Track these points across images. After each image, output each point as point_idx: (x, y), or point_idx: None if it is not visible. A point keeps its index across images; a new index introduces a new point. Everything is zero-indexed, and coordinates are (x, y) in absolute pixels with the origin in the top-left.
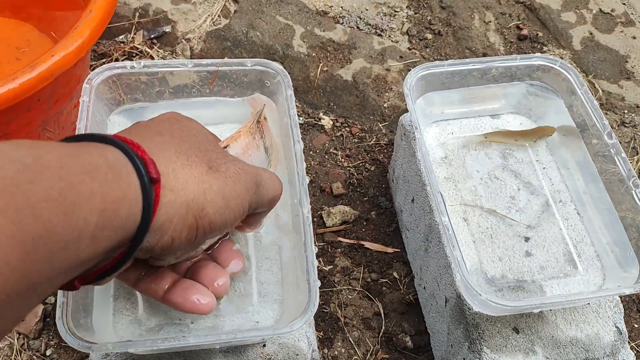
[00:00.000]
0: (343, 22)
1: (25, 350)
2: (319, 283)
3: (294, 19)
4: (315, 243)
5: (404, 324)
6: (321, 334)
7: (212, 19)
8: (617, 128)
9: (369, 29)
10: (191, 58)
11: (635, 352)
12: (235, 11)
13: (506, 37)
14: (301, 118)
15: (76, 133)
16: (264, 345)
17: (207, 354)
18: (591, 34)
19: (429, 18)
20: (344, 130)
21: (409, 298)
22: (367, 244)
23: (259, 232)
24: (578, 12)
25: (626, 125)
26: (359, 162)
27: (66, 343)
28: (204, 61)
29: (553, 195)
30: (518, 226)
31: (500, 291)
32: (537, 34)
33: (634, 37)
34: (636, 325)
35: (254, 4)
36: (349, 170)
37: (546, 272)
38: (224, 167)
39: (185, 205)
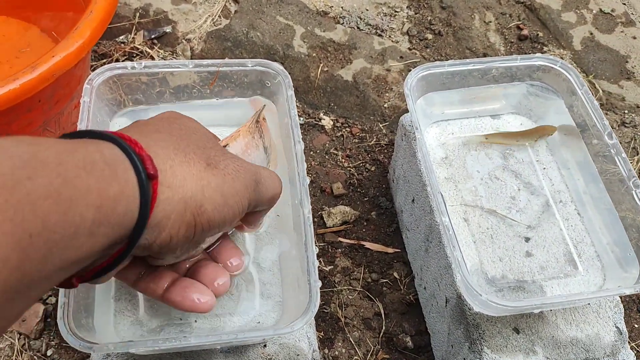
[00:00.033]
0: (343, 23)
1: (26, 350)
2: (319, 283)
3: (295, 19)
4: (315, 243)
5: (404, 324)
6: (322, 334)
7: (213, 19)
8: (617, 128)
9: (369, 29)
10: (191, 58)
11: (635, 352)
12: (235, 11)
13: (506, 37)
14: (301, 118)
15: None
16: (265, 346)
17: (208, 354)
18: (591, 34)
19: (429, 18)
20: (344, 130)
21: (410, 298)
22: (368, 244)
23: (258, 232)
24: (578, 12)
25: (626, 125)
26: (359, 162)
27: (67, 343)
28: (205, 62)
29: (553, 196)
30: (518, 226)
31: (500, 291)
32: (538, 34)
33: (634, 37)
34: (636, 326)
35: (255, 4)
36: (350, 170)
37: (546, 272)
38: (223, 164)
39: (183, 202)
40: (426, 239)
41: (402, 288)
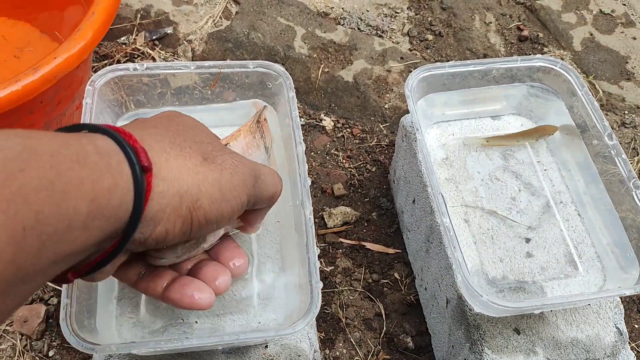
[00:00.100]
0: (344, 23)
1: (27, 351)
2: (321, 285)
3: (295, 20)
4: (316, 244)
5: (405, 324)
6: (323, 334)
7: (214, 20)
8: (617, 129)
9: (369, 30)
10: (192, 59)
11: (635, 352)
12: (236, 12)
13: (507, 38)
14: (302, 119)
15: None
16: (266, 347)
17: (209, 355)
18: (591, 34)
19: (429, 19)
20: (345, 131)
21: (410, 299)
22: (368, 245)
23: (259, 232)
24: (578, 13)
25: (626, 126)
26: (360, 163)
27: (69, 344)
28: (206, 63)
29: (554, 196)
30: (519, 227)
31: (501, 292)
32: (538, 35)
33: (634, 38)
34: (636, 326)
35: (255, 6)
36: (350, 171)
37: (547, 273)
38: (220, 159)
39: (179, 196)
40: (427, 239)
41: (402, 289)
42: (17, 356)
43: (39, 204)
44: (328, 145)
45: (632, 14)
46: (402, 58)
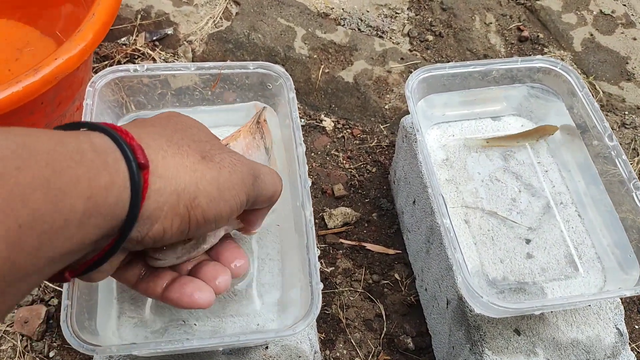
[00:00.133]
0: (344, 24)
1: (28, 352)
2: (321, 286)
3: (295, 21)
4: (317, 245)
5: (405, 325)
6: (323, 335)
7: (214, 21)
8: (617, 129)
9: (370, 30)
10: (193, 60)
11: (635, 353)
12: (236, 13)
13: (507, 38)
14: (302, 120)
15: None
16: (267, 348)
17: (210, 356)
18: (592, 35)
19: (429, 20)
20: (345, 131)
21: (410, 299)
22: (369, 246)
23: (259, 233)
24: (579, 13)
25: (627, 126)
26: (360, 163)
27: (69, 345)
28: (207, 64)
29: (554, 197)
30: (519, 228)
31: (501, 293)
32: (538, 36)
33: (635, 39)
34: (637, 327)
35: (256, 6)
36: (351, 171)
37: (547, 274)
38: (219, 158)
39: (176, 194)
40: (427, 240)
41: (403, 289)
42: (18, 357)
43: (35, 202)
44: (328, 146)
45: (632, 15)
46: (402, 59)
